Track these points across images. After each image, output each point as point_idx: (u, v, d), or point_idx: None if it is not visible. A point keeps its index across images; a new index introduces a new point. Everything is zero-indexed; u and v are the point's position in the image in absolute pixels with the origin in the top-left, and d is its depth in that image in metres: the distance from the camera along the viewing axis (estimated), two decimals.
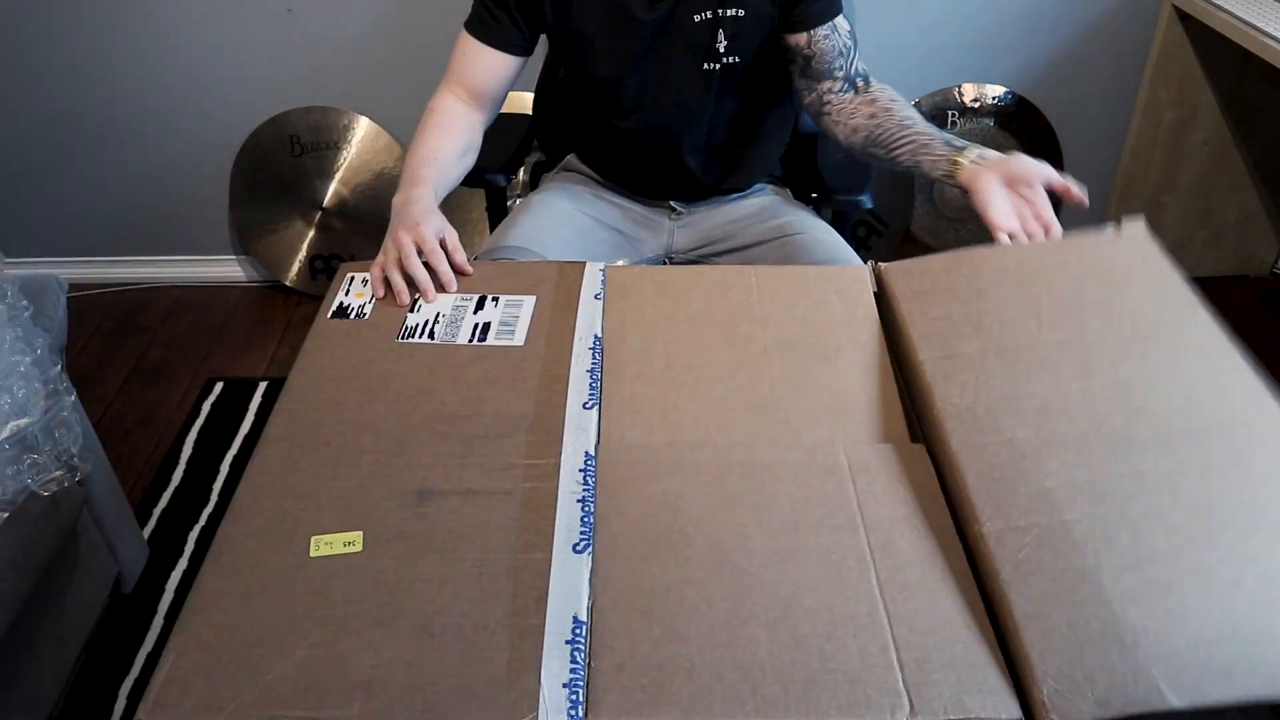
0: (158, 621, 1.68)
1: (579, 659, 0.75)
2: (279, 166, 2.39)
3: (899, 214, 2.42)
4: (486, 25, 1.35)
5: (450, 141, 1.34)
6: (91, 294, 2.55)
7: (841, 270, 1.19)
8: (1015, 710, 0.71)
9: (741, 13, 1.31)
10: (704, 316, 1.10)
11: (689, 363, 1.04)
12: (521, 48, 1.37)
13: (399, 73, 2.30)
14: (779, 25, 1.34)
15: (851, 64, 1.34)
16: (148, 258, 2.58)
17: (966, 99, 2.34)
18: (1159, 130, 2.28)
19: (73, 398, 1.41)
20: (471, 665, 0.75)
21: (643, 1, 1.30)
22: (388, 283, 1.15)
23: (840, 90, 1.34)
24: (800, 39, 1.33)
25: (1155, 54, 2.19)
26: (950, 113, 2.35)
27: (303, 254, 2.49)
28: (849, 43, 1.34)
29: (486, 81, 1.38)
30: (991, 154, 1.20)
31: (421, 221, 1.17)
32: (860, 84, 1.34)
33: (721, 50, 1.33)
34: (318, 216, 2.45)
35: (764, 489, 0.90)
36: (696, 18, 1.31)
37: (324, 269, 2.50)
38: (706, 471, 0.91)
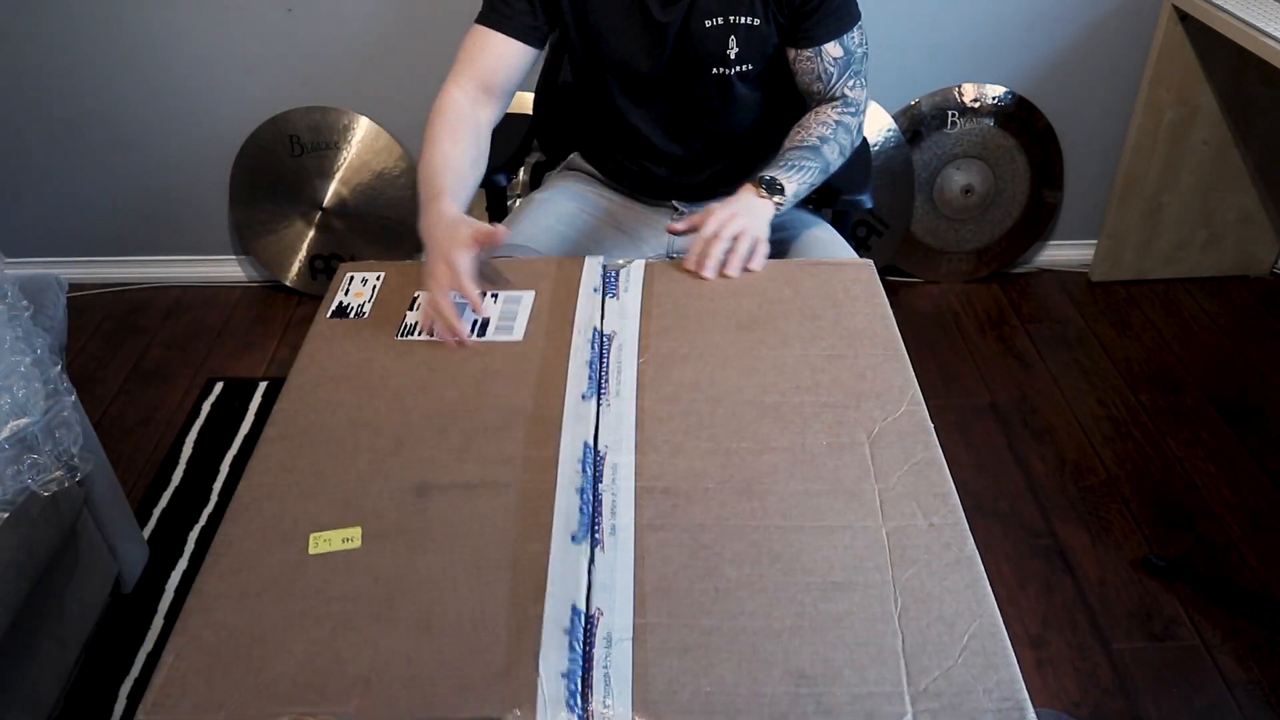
0: (158, 621, 1.68)
1: (577, 648, 0.75)
2: (279, 166, 2.40)
3: (899, 214, 2.42)
4: (500, 14, 1.32)
5: (463, 147, 1.29)
6: (91, 294, 2.55)
7: (843, 264, 1.21)
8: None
9: (756, 21, 1.31)
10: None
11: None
12: (536, 37, 1.34)
13: (399, 73, 2.30)
14: (779, 39, 1.36)
15: (831, 87, 1.38)
16: (148, 258, 2.58)
17: (966, 99, 2.34)
18: (1159, 130, 2.28)
19: (73, 398, 1.41)
20: (470, 657, 0.75)
21: (660, 5, 1.30)
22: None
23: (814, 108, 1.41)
24: (790, 54, 1.37)
25: (1155, 54, 2.19)
26: (950, 113, 2.35)
27: (302, 254, 2.49)
28: (831, 69, 1.36)
29: (497, 73, 1.34)
30: (763, 198, 1.27)
31: (452, 245, 1.12)
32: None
33: (733, 57, 1.33)
34: (318, 216, 2.45)
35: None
36: (708, 23, 1.31)
37: (324, 269, 2.50)
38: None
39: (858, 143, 1.41)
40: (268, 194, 2.43)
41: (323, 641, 0.77)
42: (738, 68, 1.34)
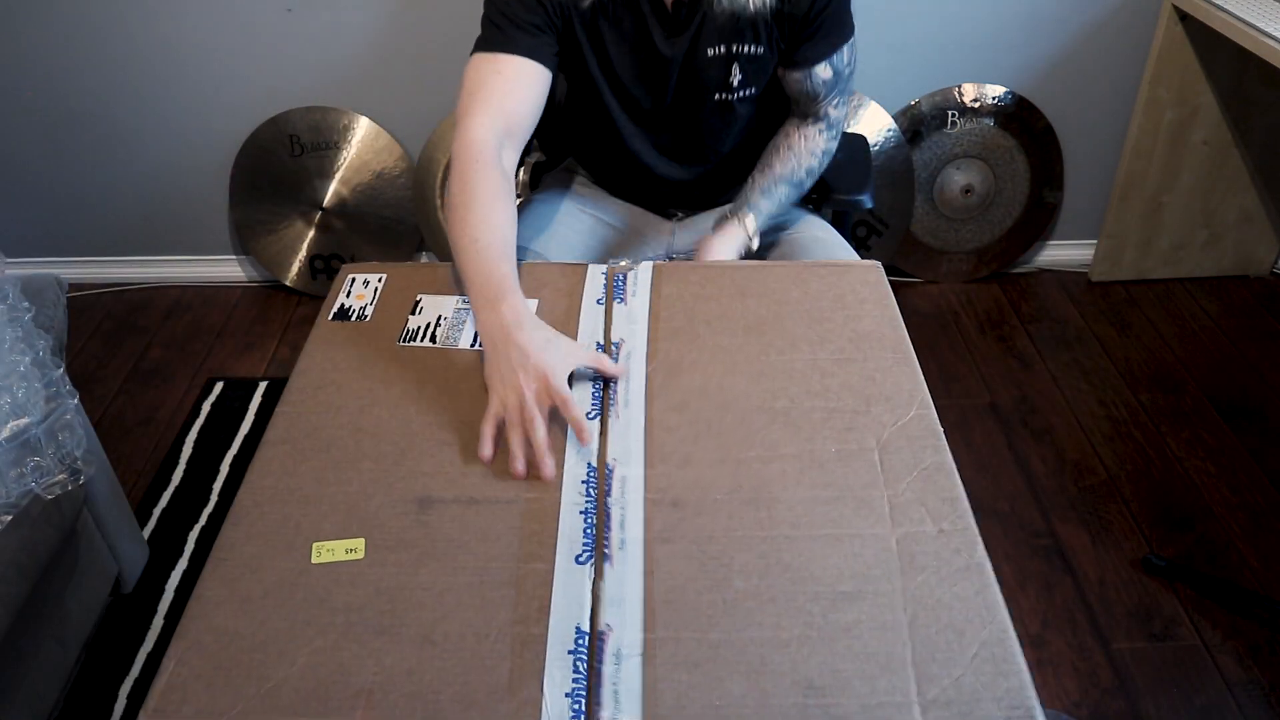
0: (158, 622, 1.68)
1: (581, 668, 0.75)
2: (279, 166, 2.39)
3: (899, 214, 2.41)
4: (511, 38, 1.22)
5: (511, 213, 1.15)
6: (91, 294, 2.55)
7: (851, 265, 1.21)
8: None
9: (760, 50, 1.31)
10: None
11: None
12: (553, 60, 1.27)
13: (399, 73, 2.29)
14: (778, 60, 1.36)
15: (819, 105, 1.39)
16: (148, 258, 2.57)
17: (966, 99, 2.34)
18: (1159, 130, 2.28)
19: (75, 401, 1.41)
20: (473, 674, 0.75)
21: (663, 36, 1.30)
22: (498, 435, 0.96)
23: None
24: (783, 73, 1.38)
25: (1155, 54, 2.19)
26: (950, 113, 2.35)
27: (302, 254, 2.49)
28: (819, 89, 1.36)
29: (521, 102, 1.23)
30: (735, 227, 1.37)
31: (553, 366, 0.98)
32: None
33: (735, 84, 1.33)
34: (318, 216, 2.45)
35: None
36: (710, 51, 1.30)
37: (324, 269, 2.50)
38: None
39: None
40: (268, 194, 2.43)
41: (326, 651, 0.77)
42: (740, 93, 1.34)
